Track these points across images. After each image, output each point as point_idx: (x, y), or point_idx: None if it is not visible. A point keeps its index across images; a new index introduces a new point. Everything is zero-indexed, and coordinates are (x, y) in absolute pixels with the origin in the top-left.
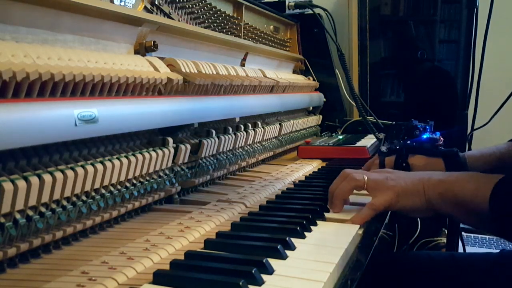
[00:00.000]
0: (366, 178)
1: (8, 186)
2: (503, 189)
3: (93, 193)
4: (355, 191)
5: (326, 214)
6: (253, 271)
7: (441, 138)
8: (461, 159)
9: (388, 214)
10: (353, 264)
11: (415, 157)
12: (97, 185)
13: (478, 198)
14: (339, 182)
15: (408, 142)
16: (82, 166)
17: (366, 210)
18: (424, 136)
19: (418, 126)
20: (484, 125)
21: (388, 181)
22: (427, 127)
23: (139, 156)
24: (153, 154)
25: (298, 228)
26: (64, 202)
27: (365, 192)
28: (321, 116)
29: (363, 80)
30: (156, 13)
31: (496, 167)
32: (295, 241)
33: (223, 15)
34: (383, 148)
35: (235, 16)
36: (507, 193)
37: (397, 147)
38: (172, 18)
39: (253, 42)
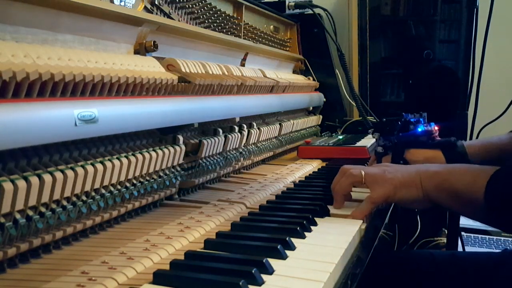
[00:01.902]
0: (363, 173)
1: (8, 186)
2: (498, 181)
3: (93, 193)
4: (359, 189)
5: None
6: (253, 271)
7: (436, 129)
8: (460, 148)
9: (388, 214)
10: (353, 264)
11: (412, 151)
12: (97, 185)
13: (474, 189)
14: (339, 178)
15: (402, 135)
16: (82, 166)
17: (365, 204)
18: (419, 129)
19: (412, 120)
20: (497, 118)
21: (386, 174)
22: (421, 119)
23: (139, 156)
24: (153, 154)
25: (298, 228)
26: (64, 202)
27: (367, 189)
28: (321, 116)
29: (363, 80)
30: (156, 13)
31: (498, 158)
32: (295, 241)
33: (223, 15)
34: (379, 149)
35: (235, 16)
36: (502, 184)
37: (392, 144)
38: (172, 18)
39: (253, 42)
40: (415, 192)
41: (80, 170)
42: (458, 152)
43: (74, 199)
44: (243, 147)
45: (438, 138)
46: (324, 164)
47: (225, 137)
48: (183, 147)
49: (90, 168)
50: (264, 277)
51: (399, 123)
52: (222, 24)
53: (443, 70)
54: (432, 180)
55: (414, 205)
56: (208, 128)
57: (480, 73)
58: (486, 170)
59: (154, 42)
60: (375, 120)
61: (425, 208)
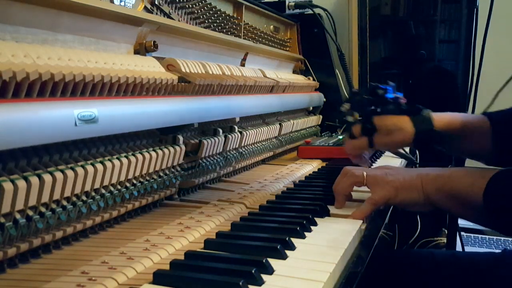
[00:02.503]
0: (365, 174)
1: (8, 186)
2: (497, 183)
3: (93, 193)
4: (359, 188)
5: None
6: (253, 271)
7: (404, 98)
8: (425, 113)
9: (388, 214)
10: (353, 264)
11: (380, 117)
12: (97, 185)
13: (473, 192)
14: (341, 178)
15: (372, 108)
16: (82, 166)
17: (366, 205)
18: (388, 97)
19: (381, 86)
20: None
21: (387, 176)
22: (389, 88)
23: (139, 156)
24: (153, 154)
25: (298, 228)
26: (64, 202)
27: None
28: (321, 116)
29: (363, 80)
30: (156, 13)
31: (460, 132)
32: (295, 241)
33: (223, 15)
34: (350, 119)
35: (235, 16)
36: (500, 187)
37: (362, 114)
38: (172, 18)
39: (253, 42)
40: (416, 195)
41: (80, 170)
42: (423, 116)
43: (74, 199)
44: (243, 147)
45: (406, 106)
46: (324, 164)
47: (225, 137)
48: (183, 147)
49: (90, 168)
50: (264, 277)
51: (370, 90)
52: (222, 24)
53: (440, 71)
54: (433, 184)
55: (415, 208)
56: (208, 128)
57: (478, 73)
58: (485, 172)
59: (154, 42)
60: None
61: (426, 211)
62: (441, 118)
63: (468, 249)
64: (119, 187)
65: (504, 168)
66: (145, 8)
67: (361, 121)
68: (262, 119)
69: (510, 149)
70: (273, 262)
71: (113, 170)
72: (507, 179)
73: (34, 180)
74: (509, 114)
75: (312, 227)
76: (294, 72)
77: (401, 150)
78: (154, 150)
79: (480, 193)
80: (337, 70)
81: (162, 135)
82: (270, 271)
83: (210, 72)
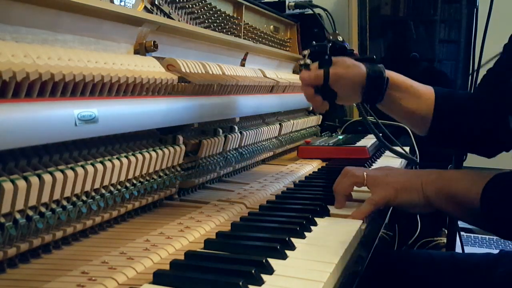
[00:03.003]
0: (365, 175)
1: (8, 186)
2: (494, 187)
3: (93, 193)
4: (359, 189)
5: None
6: (253, 271)
7: (357, 53)
8: (379, 65)
9: (388, 214)
10: (353, 264)
11: (338, 57)
12: (97, 185)
13: (471, 195)
14: (341, 179)
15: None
16: (82, 166)
17: (366, 205)
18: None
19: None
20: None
21: (388, 177)
22: (345, 44)
23: (139, 156)
24: (153, 154)
25: (298, 228)
26: (64, 202)
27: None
28: (321, 116)
29: None
30: (156, 13)
31: (408, 96)
32: (295, 241)
33: (223, 15)
34: (308, 61)
35: (235, 16)
36: (497, 190)
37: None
38: (172, 18)
39: (253, 42)
40: (416, 196)
41: (80, 170)
42: (377, 65)
43: (74, 199)
44: (243, 147)
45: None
46: (324, 164)
47: (225, 137)
48: (183, 147)
49: (90, 168)
50: (264, 277)
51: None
52: (222, 24)
53: (433, 71)
54: (433, 185)
55: (415, 210)
56: (208, 128)
57: (477, 73)
58: (484, 175)
59: (154, 42)
60: (374, 120)
61: (425, 212)
62: (393, 74)
63: (468, 249)
64: (119, 187)
65: (502, 171)
66: (145, 8)
67: (319, 61)
68: (262, 119)
69: (447, 124)
70: (273, 262)
71: (113, 170)
72: (505, 182)
73: (34, 180)
74: (453, 93)
75: (312, 227)
76: (294, 72)
77: (401, 150)
78: (154, 150)
79: (477, 196)
80: None
81: (162, 135)
82: (270, 271)
83: (210, 72)
